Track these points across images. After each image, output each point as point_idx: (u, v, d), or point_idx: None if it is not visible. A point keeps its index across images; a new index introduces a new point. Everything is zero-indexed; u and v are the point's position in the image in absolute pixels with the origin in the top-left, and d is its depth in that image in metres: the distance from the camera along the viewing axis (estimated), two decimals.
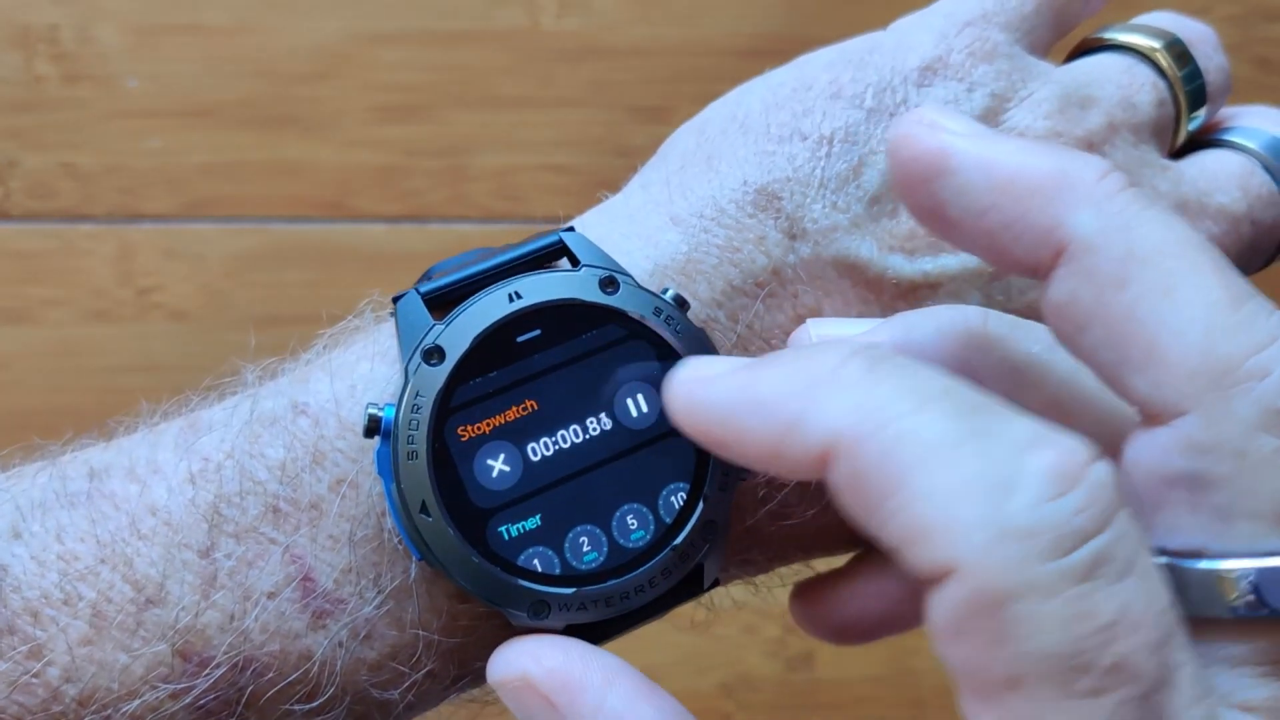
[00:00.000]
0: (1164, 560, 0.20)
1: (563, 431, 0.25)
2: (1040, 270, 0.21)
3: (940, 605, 0.18)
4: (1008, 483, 0.18)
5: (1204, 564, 0.20)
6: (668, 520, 0.25)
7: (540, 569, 0.24)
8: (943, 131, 0.22)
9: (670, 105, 0.64)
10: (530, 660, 0.23)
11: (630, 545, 0.25)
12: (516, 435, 0.25)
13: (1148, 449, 0.20)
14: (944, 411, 0.19)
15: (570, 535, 0.25)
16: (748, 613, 0.65)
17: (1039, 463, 0.18)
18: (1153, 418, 0.20)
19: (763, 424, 0.20)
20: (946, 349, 0.24)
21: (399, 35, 0.63)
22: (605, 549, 0.25)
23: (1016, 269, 0.22)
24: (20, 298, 0.63)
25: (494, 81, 0.64)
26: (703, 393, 0.21)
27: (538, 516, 0.24)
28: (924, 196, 0.22)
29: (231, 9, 0.63)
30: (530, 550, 0.24)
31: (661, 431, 0.25)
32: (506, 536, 0.24)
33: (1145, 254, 0.20)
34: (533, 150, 0.64)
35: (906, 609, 0.27)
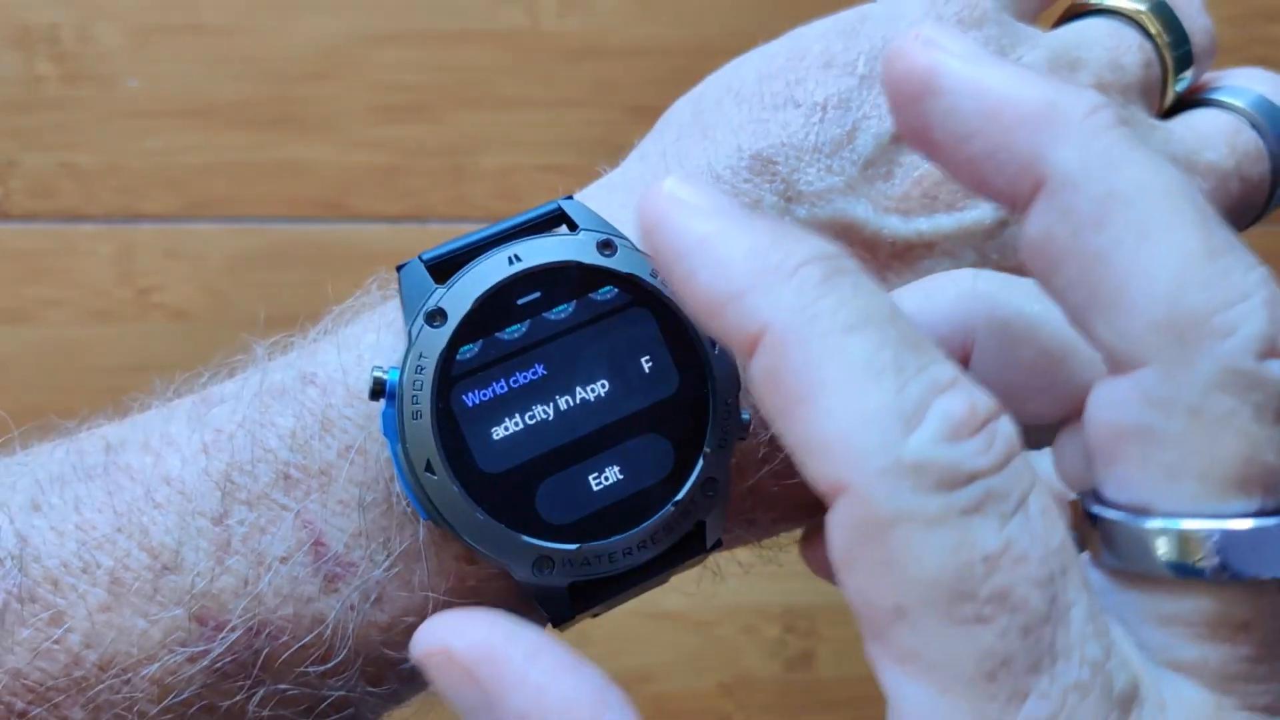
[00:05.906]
0: (1108, 514, 0.20)
1: (565, 392, 0.25)
2: (1018, 203, 0.21)
3: (835, 525, 0.19)
4: (912, 419, 0.18)
5: (1150, 521, 0.20)
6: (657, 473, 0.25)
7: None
8: (937, 50, 0.21)
9: (670, 105, 0.64)
10: (452, 633, 0.21)
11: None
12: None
13: (1107, 399, 0.20)
14: (876, 339, 0.19)
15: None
16: (747, 613, 0.65)
17: (947, 405, 0.18)
18: (1115, 366, 0.20)
19: (711, 281, 0.20)
20: (938, 310, 0.25)
21: (399, 35, 0.64)
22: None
23: (997, 199, 0.21)
24: (20, 298, 0.63)
25: (494, 81, 0.64)
26: (677, 218, 0.21)
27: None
28: (912, 115, 0.21)
29: (231, 9, 0.63)
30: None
31: (663, 395, 0.26)
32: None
33: (1127, 195, 0.19)
34: (533, 150, 0.64)
35: None
